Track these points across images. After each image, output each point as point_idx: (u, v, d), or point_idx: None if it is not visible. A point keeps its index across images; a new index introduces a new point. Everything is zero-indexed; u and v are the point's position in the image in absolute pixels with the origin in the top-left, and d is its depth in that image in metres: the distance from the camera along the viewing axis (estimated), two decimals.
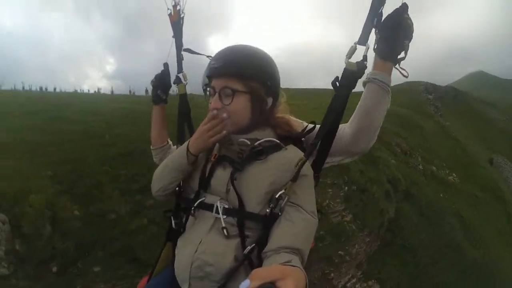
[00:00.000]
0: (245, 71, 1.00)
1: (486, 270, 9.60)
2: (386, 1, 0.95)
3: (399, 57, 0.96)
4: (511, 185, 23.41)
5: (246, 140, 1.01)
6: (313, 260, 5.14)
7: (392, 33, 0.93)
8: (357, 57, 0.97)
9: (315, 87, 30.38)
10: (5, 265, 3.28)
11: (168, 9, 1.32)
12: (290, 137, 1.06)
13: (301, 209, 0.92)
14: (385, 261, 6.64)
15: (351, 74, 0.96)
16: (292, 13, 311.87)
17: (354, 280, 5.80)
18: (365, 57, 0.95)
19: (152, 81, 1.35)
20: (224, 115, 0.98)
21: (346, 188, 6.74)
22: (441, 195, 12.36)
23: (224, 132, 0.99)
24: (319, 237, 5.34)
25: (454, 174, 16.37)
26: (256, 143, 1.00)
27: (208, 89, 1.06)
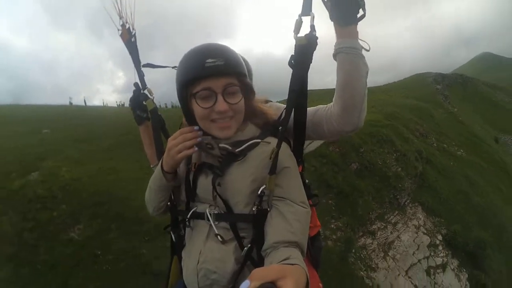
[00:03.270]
0: (242, 68, 0.95)
1: (488, 212, 13.79)
2: None
3: (358, 15, 0.87)
4: None
5: (227, 146, 0.97)
6: (388, 187, 10.18)
7: None
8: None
9: (327, 86, 30.64)
10: None
11: (118, 30, 1.24)
12: (268, 129, 1.04)
13: (290, 202, 0.91)
14: (421, 194, 11.61)
15: (303, 48, 0.90)
16: (291, 12, 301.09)
17: (408, 200, 10.85)
18: (312, 27, 0.88)
19: (129, 104, 1.31)
20: (196, 127, 0.95)
21: (395, 154, 11.76)
22: (452, 163, 16.99)
23: (195, 148, 0.94)
24: (389, 176, 10.36)
25: (462, 150, 20.74)
26: (237, 151, 0.97)
27: (195, 93, 0.93)
